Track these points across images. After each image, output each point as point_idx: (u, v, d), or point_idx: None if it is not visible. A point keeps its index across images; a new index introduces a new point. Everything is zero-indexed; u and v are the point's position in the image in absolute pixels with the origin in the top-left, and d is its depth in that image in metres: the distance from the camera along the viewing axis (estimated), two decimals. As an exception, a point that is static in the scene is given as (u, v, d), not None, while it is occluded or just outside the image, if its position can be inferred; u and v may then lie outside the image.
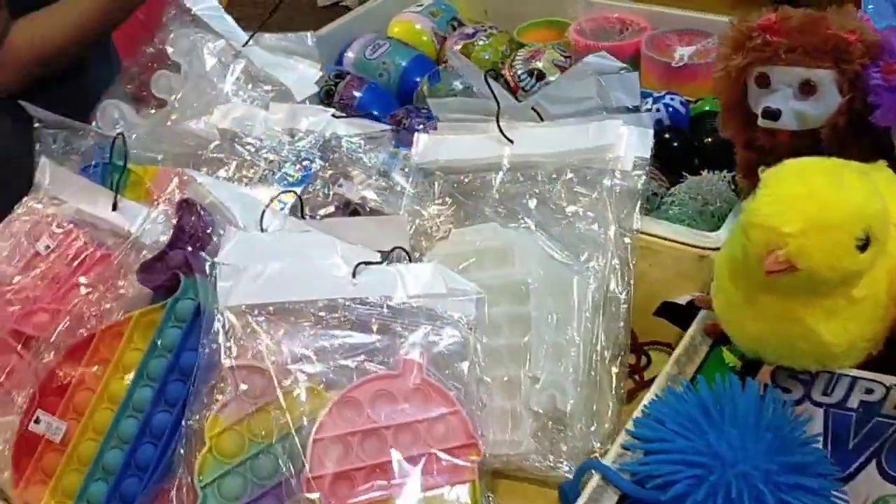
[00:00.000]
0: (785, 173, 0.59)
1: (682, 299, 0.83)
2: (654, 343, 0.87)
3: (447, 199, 0.82)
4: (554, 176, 0.78)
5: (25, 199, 0.91)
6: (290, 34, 1.00)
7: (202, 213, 0.76)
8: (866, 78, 0.74)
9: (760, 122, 0.78)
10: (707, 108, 1.13)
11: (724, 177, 0.99)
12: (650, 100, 1.11)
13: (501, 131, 0.82)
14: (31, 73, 0.99)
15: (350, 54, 1.31)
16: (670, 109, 1.09)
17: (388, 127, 0.91)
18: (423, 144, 0.86)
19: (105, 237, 0.87)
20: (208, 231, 0.75)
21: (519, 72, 1.21)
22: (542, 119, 0.85)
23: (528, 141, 0.81)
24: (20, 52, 0.96)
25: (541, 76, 1.20)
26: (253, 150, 0.88)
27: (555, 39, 1.35)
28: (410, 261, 0.76)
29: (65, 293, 0.84)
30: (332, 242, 0.73)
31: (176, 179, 0.79)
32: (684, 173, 1.03)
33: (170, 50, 0.98)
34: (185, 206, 0.76)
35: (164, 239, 0.78)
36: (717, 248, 0.83)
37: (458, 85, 1.18)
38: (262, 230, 0.76)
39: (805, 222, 0.55)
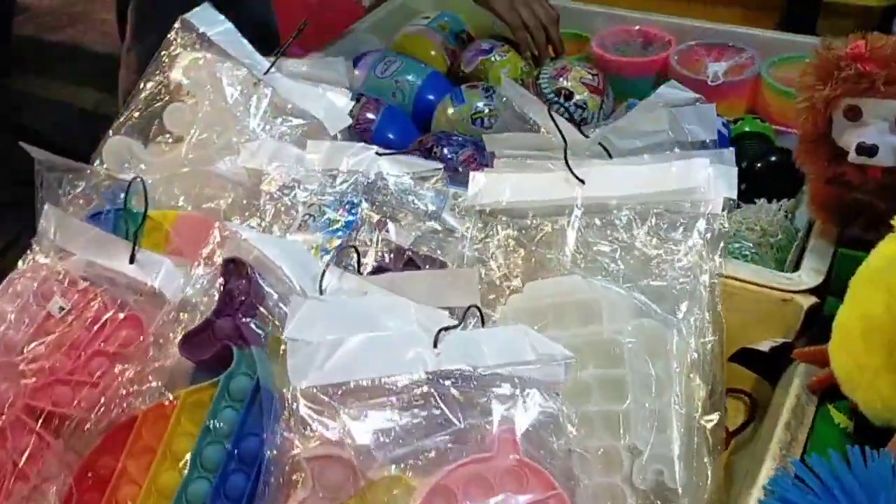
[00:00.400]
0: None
1: (764, 345, 0.78)
2: (731, 390, 0.81)
3: (514, 245, 0.75)
4: (637, 221, 0.71)
5: (29, 252, 0.81)
6: (318, 57, 0.91)
7: (252, 274, 0.67)
8: (971, 111, 0.69)
9: (853, 157, 0.73)
10: (747, 129, 1.08)
11: (783, 206, 0.94)
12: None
13: (571, 170, 0.75)
14: None
15: (358, 73, 1.22)
16: (713, 131, 1.04)
17: (438, 165, 0.83)
18: (482, 184, 0.78)
19: (123, 294, 0.78)
20: (260, 295, 0.67)
21: (546, 91, 1.14)
22: (610, 155, 0.78)
23: (601, 181, 0.74)
24: None
25: (569, 96, 1.13)
26: (289, 192, 0.80)
27: (573, 54, 1.29)
28: (483, 321, 0.69)
29: (86, 362, 0.74)
30: (405, 306, 0.65)
31: (216, 234, 0.70)
32: (735, 201, 0.97)
33: (184, 79, 0.88)
34: (233, 267, 0.68)
35: (206, 300, 0.70)
36: (799, 291, 0.78)
37: (482, 107, 1.11)
38: (320, 292, 0.67)
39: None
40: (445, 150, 1.00)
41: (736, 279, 0.78)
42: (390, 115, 1.13)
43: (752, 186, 0.99)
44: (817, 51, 0.75)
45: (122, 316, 0.75)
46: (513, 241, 0.76)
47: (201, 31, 0.90)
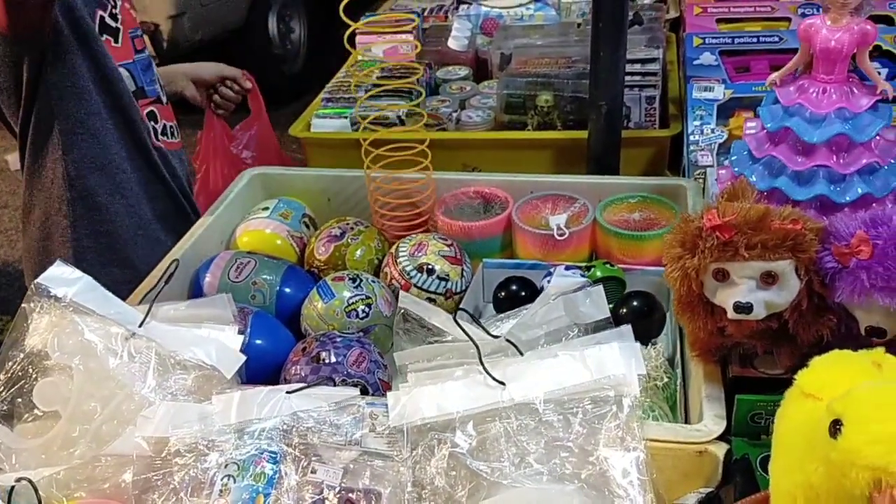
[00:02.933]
0: (867, 408, 0.60)
1: (691, 499, 0.82)
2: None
3: (452, 463, 0.74)
4: (568, 417, 0.74)
5: None
6: (197, 299, 0.87)
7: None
8: (820, 262, 0.79)
9: (732, 315, 0.81)
10: (600, 275, 1.16)
11: (660, 351, 1.01)
12: (550, 275, 1.12)
13: (489, 373, 0.77)
14: None
15: (210, 278, 1.18)
16: (573, 284, 1.11)
17: (353, 392, 0.80)
18: (400, 402, 0.78)
19: None
20: None
21: (408, 268, 1.16)
22: (520, 351, 0.81)
23: (521, 381, 0.76)
24: None
25: (431, 270, 1.16)
26: (202, 458, 0.74)
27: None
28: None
29: None
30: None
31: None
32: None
33: (49, 350, 0.80)
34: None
35: None
36: (710, 441, 0.83)
37: (353, 299, 1.10)
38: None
39: (913, 458, 0.56)
40: (333, 356, 0.98)
41: (652, 440, 0.82)
42: (259, 323, 1.09)
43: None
44: (678, 224, 0.83)
45: None
46: (449, 459, 0.75)
47: (57, 292, 0.83)
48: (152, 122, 1.43)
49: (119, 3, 1.38)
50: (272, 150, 1.79)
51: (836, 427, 0.61)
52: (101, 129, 1.31)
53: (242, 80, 1.70)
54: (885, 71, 1.45)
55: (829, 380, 0.68)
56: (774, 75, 1.03)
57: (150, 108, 1.43)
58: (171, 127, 1.47)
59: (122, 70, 1.36)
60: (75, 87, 1.27)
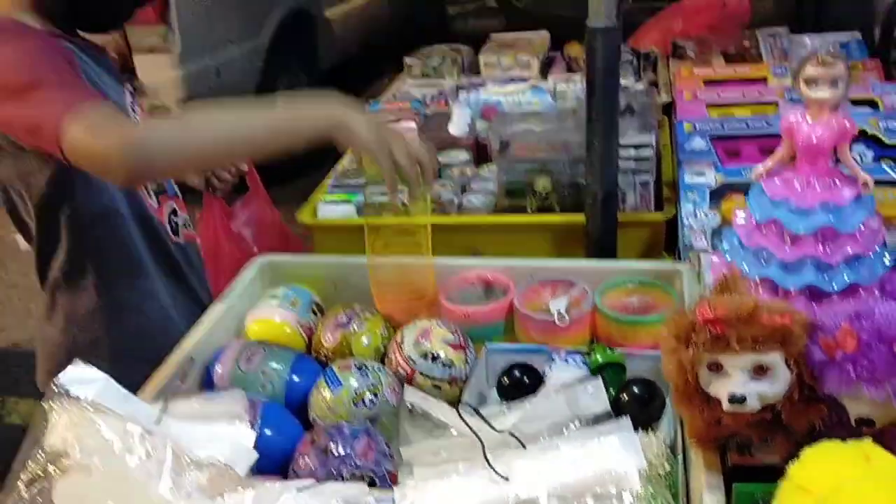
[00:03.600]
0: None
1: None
2: None
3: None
4: (571, 512, 0.76)
5: None
6: (211, 394, 0.90)
7: None
8: (808, 354, 0.83)
9: (727, 407, 0.84)
10: (601, 360, 1.19)
11: (663, 438, 1.03)
12: (554, 361, 1.15)
13: (493, 469, 0.79)
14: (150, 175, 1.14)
15: (221, 369, 1.21)
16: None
17: (363, 487, 0.83)
18: (408, 498, 0.80)
19: None
20: None
21: (413, 356, 1.19)
22: (523, 444, 0.83)
23: (526, 476, 0.79)
24: (152, 150, 1.06)
25: (436, 357, 1.19)
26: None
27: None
28: None
29: None
30: None
31: None
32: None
33: (69, 450, 0.83)
34: None
35: None
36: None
37: (360, 388, 1.13)
38: None
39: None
40: (342, 449, 1.00)
41: (653, 529, 0.84)
42: (269, 414, 1.11)
43: (621, 416, 1.08)
44: (672, 317, 0.87)
45: None
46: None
47: (77, 392, 0.86)
48: (174, 217, 1.46)
49: (137, 109, 1.41)
50: (273, 225, 1.80)
51: (826, 525, 0.63)
52: (128, 238, 1.34)
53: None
54: (870, 154, 1.51)
55: (819, 473, 0.71)
56: (760, 168, 1.08)
57: (171, 203, 1.46)
58: (186, 219, 1.52)
59: None
60: (105, 205, 1.30)
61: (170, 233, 1.44)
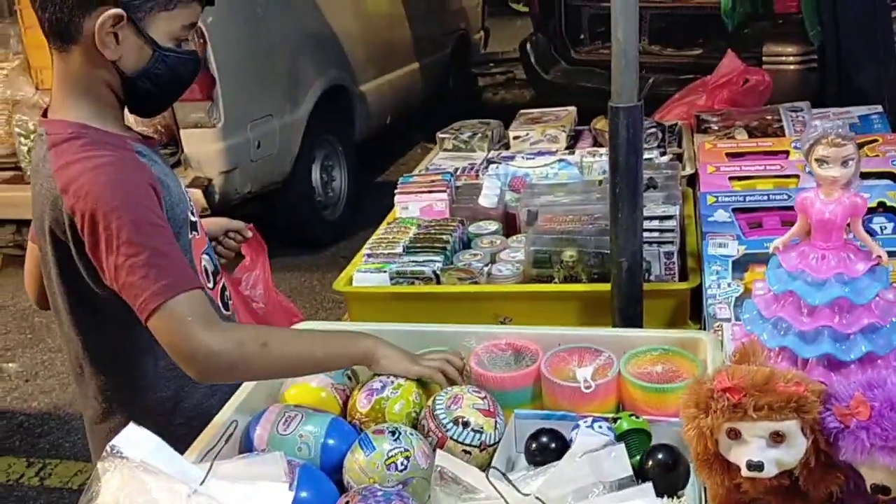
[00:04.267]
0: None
1: None
2: None
3: None
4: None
5: None
6: (253, 457, 0.95)
7: None
8: (823, 422, 0.86)
9: (745, 473, 0.87)
10: (626, 427, 1.22)
11: (683, 502, 1.06)
12: (578, 427, 1.18)
13: (522, 535, 0.83)
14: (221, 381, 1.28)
15: (260, 431, 1.26)
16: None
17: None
18: (438, 558, 0.84)
19: None
20: None
21: (444, 421, 1.24)
22: (548, 509, 0.87)
23: (551, 538, 0.82)
24: (231, 366, 1.23)
25: (466, 423, 1.23)
26: None
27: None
28: None
29: None
30: None
31: None
32: None
33: (120, 508, 0.88)
34: None
35: None
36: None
37: (393, 452, 1.17)
38: None
39: None
40: (374, 508, 1.05)
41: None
42: (305, 476, 1.16)
43: (645, 482, 1.11)
44: (692, 386, 0.91)
45: None
46: None
47: (128, 454, 0.92)
48: (225, 291, 1.51)
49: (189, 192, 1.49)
50: (269, 291, 1.85)
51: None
52: None
53: (245, 231, 1.75)
54: (890, 225, 1.55)
55: (834, 539, 0.74)
56: (777, 241, 1.13)
57: (224, 281, 1.52)
58: (228, 295, 1.57)
59: (205, 257, 1.45)
60: None
61: (222, 309, 1.49)
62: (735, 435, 0.88)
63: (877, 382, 0.84)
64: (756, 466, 0.86)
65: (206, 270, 1.45)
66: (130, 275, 1.21)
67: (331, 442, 1.26)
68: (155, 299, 1.19)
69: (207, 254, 1.48)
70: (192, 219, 1.43)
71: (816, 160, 1.05)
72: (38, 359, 3.76)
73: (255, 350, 1.24)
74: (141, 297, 1.20)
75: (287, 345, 1.31)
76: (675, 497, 1.06)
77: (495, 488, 0.85)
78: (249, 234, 1.77)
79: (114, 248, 1.22)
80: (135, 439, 0.94)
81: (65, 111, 1.33)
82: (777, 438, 0.86)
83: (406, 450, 1.18)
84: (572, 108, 2.65)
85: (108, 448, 0.93)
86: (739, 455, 0.88)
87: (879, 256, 1.07)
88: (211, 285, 1.46)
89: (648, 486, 0.87)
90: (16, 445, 3.16)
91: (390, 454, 1.18)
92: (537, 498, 0.87)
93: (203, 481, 0.92)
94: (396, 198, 2.07)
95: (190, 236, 1.41)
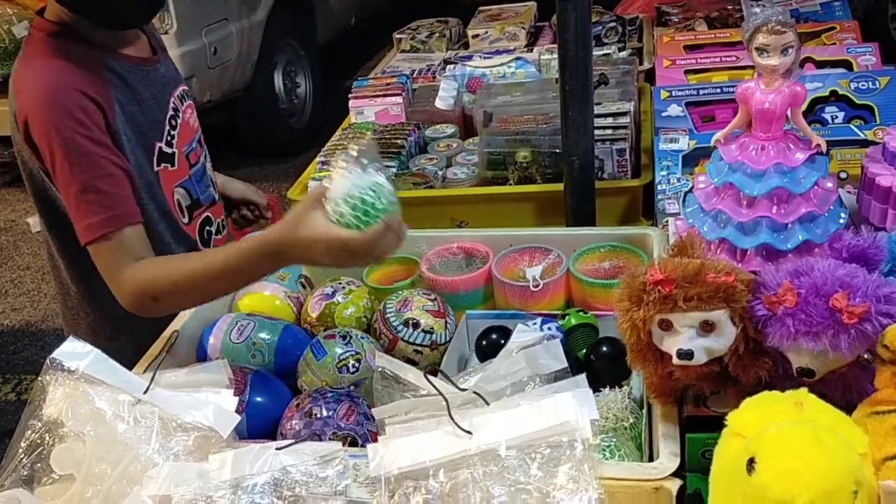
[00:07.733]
0: (775, 447, 0.68)
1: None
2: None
3: (426, 507, 0.83)
4: (527, 462, 0.82)
5: None
6: (196, 365, 0.96)
7: None
8: (752, 310, 0.88)
9: (676, 361, 0.89)
10: (574, 322, 1.24)
11: (627, 392, 1.08)
12: (536, 326, 1.21)
13: (457, 424, 0.85)
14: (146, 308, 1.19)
15: (213, 340, 1.27)
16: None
17: (337, 446, 0.89)
18: (379, 454, 0.86)
19: None
20: None
21: (395, 323, 1.25)
22: (486, 401, 0.89)
23: (486, 430, 0.85)
24: (155, 299, 1.18)
25: (416, 324, 1.25)
26: (202, 513, 0.83)
27: (403, 276, 1.42)
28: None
29: None
30: None
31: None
32: (584, 392, 1.11)
33: (64, 419, 0.89)
34: None
35: None
36: (665, 478, 0.91)
37: (343, 355, 1.19)
38: None
39: (812, 492, 0.64)
40: (324, 410, 1.07)
41: (611, 479, 0.90)
42: (258, 382, 1.18)
43: (591, 375, 1.14)
44: (625, 280, 0.92)
45: None
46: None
47: (70, 366, 0.92)
48: (207, 227, 1.48)
49: (179, 122, 1.41)
50: None
51: (751, 465, 0.69)
52: (161, 245, 1.35)
53: (265, 210, 1.69)
54: (841, 115, 1.54)
55: (753, 419, 0.76)
56: (719, 134, 1.12)
57: (206, 213, 1.48)
58: (221, 223, 1.53)
59: (180, 190, 1.40)
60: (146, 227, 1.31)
61: (199, 245, 1.46)
62: (666, 326, 0.89)
63: (804, 270, 0.85)
64: (686, 355, 0.88)
65: (179, 204, 1.41)
66: (66, 200, 1.23)
67: (285, 348, 1.28)
68: (85, 235, 1.21)
69: (185, 187, 1.42)
70: (168, 150, 1.38)
71: (756, 49, 1.04)
72: (6, 277, 3.75)
73: (166, 288, 1.19)
74: (76, 228, 1.22)
75: (189, 272, 1.19)
76: (617, 386, 1.09)
77: (432, 384, 0.87)
78: (269, 215, 1.69)
79: (54, 164, 1.22)
80: (76, 352, 0.94)
81: (49, 7, 1.30)
82: (707, 327, 0.88)
83: (357, 353, 1.20)
84: (532, 3, 2.58)
85: (48, 361, 0.94)
86: (670, 345, 0.89)
87: (819, 145, 1.07)
88: (186, 220, 1.43)
89: (582, 377, 0.89)
90: (-10, 363, 3.18)
91: (341, 357, 1.19)
92: (475, 392, 0.89)
93: (147, 390, 0.93)
94: (351, 103, 2.03)
95: (158, 168, 1.36)
